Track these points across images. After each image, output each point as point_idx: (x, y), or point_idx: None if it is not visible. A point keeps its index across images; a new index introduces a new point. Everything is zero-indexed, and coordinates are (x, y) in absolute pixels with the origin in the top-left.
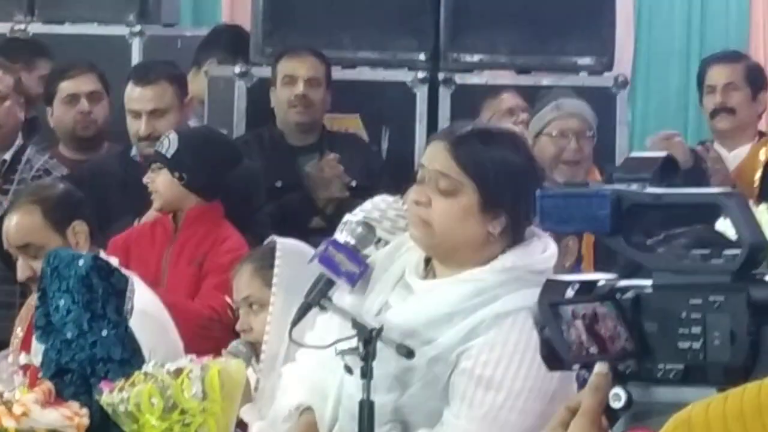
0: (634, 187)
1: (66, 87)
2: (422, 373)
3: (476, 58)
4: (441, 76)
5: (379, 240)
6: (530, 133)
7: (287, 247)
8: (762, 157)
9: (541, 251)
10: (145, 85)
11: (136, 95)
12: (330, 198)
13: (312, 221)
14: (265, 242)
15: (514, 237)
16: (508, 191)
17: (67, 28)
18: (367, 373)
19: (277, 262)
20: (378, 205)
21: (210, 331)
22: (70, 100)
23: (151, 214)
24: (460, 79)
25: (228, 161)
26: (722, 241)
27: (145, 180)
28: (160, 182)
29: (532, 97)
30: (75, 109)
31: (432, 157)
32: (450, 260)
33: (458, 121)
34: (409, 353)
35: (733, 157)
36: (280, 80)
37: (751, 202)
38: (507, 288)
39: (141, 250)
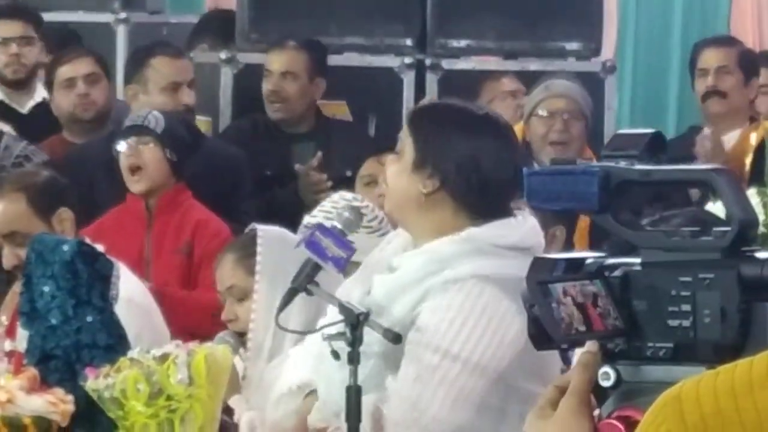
0: (622, 164)
1: (63, 72)
2: (378, 346)
3: (463, 43)
4: (428, 61)
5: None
6: (524, 116)
7: (268, 234)
8: (753, 141)
9: (511, 227)
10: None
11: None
12: (316, 200)
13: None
14: (246, 230)
15: (465, 205)
16: (439, 148)
17: (52, 16)
18: (353, 359)
19: (258, 249)
20: None
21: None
22: (68, 84)
23: None
24: (447, 64)
25: (196, 144)
26: (717, 221)
27: (126, 152)
28: (150, 158)
29: (528, 83)
30: (73, 92)
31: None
32: (410, 229)
33: None
34: (396, 338)
35: (725, 141)
36: (264, 74)
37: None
38: (462, 258)
39: (115, 241)
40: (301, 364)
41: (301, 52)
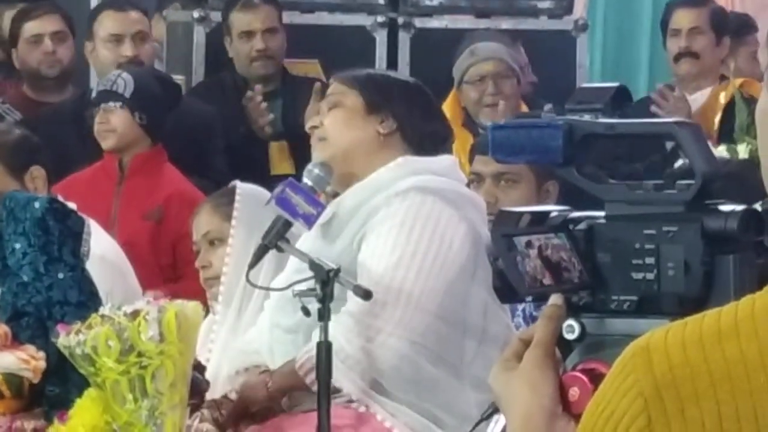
0: (586, 117)
1: (30, 27)
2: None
3: (436, 1)
4: (400, 20)
5: None
6: (455, 84)
7: (246, 191)
8: (722, 99)
9: (439, 159)
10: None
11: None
12: (261, 128)
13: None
14: (228, 186)
15: (412, 147)
16: (389, 94)
17: None
18: (324, 315)
19: (237, 198)
20: None
21: None
22: (35, 41)
23: None
24: (419, 22)
25: (173, 101)
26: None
27: (97, 120)
28: (118, 121)
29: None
30: (39, 49)
31: (329, 90)
32: (357, 172)
33: None
34: (367, 294)
35: (694, 100)
36: (236, 35)
37: (710, 144)
38: (400, 180)
39: (84, 198)
40: (249, 346)
41: (275, 7)
